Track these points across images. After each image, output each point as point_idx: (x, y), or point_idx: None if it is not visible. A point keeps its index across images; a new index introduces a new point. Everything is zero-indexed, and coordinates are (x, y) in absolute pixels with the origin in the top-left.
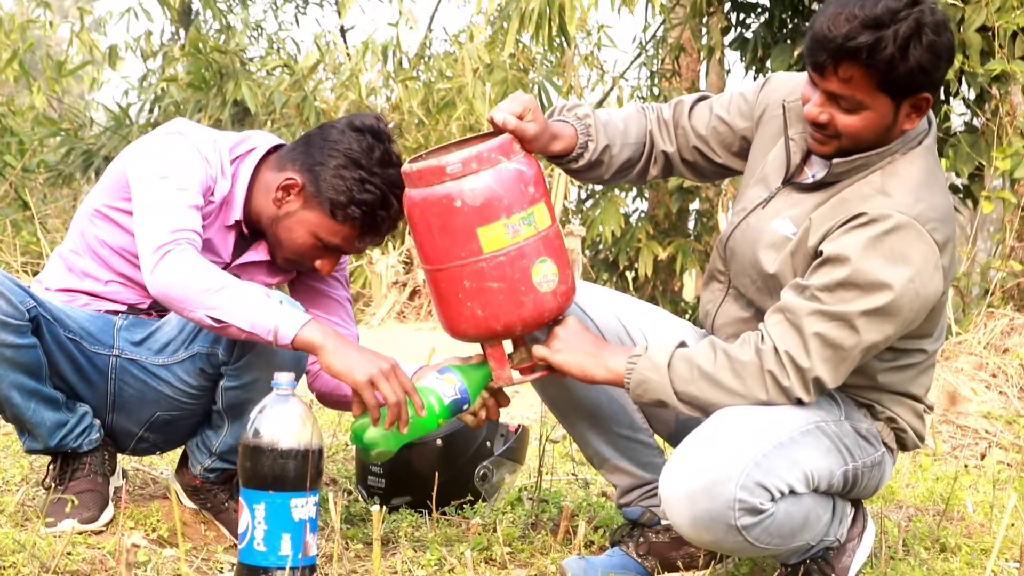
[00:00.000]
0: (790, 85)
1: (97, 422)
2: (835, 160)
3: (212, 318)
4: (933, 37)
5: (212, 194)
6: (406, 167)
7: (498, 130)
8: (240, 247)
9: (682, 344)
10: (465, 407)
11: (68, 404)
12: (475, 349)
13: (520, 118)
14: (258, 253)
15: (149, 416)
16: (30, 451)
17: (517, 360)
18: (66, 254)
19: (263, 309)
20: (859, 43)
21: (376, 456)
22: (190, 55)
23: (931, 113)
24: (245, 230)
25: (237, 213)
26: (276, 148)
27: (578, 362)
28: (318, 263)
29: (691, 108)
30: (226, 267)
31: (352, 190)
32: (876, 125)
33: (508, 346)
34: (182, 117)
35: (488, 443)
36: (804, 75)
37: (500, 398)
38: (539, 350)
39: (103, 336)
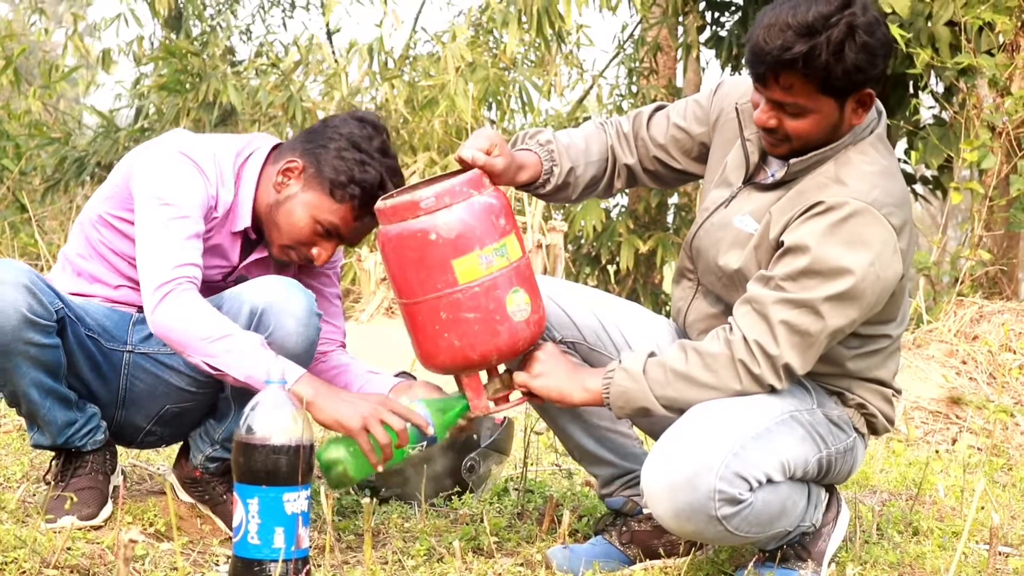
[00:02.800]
0: (742, 88)
1: (103, 423)
2: (792, 160)
3: (210, 365)
4: (866, 38)
5: (215, 209)
6: (379, 204)
7: (466, 167)
8: (246, 251)
9: (652, 354)
10: (433, 438)
11: (79, 404)
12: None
13: (487, 153)
14: (261, 251)
15: (158, 410)
16: (36, 446)
17: (492, 391)
18: (73, 259)
19: (258, 361)
20: (794, 54)
21: (336, 477)
22: (162, 59)
23: (879, 103)
24: (252, 235)
25: (245, 220)
26: (277, 148)
27: (556, 386)
28: (315, 251)
29: (649, 119)
30: (233, 270)
31: (352, 170)
32: (824, 125)
33: (483, 377)
34: (169, 123)
35: (475, 436)
36: None
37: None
38: (519, 376)
39: (118, 332)
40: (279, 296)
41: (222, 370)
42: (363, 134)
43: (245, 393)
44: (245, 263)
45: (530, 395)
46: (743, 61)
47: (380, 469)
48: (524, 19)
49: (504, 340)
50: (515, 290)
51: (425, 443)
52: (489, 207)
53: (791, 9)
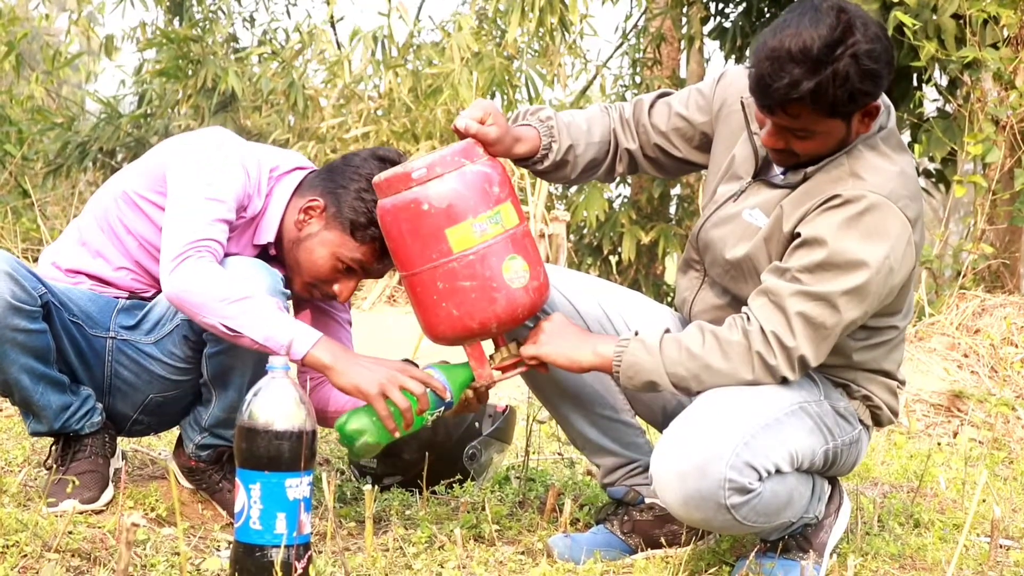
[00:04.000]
0: (745, 79)
1: (99, 405)
2: (808, 169)
3: (226, 327)
4: (871, 65)
5: (245, 210)
6: (375, 178)
7: (462, 137)
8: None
9: (667, 331)
10: (449, 403)
11: (72, 387)
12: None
13: (482, 123)
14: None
15: (143, 399)
16: (34, 434)
17: (498, 360)
18: (84, 228)
19: (278, 323)
20: (801, 92)
21: (361, 448)
22: (161, 45)
23: (887, 99)
24: (272, 252)
25: (268, 235)
26: (305, 178)
27: (564, 351)
28: (337, 287)
29: (651, 106)
30: None
31: (372, 211)
32: (831, 142)
33: (489, 348)
34: (169, 109)
35: (476, 424)
36: None
37: (480, 396)
38: (528, 349)
39: (102, 318)
40: (244, 276)
41: (239, 331)
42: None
43: (222, 378)
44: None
45: (540, 365)
46: (748, 89)
47: (398, 435)
48: (528, 10)
49: (502, 307)
50: (512, 257)
51: (442, 408)
52: (482, 176)
53: (794, 35)
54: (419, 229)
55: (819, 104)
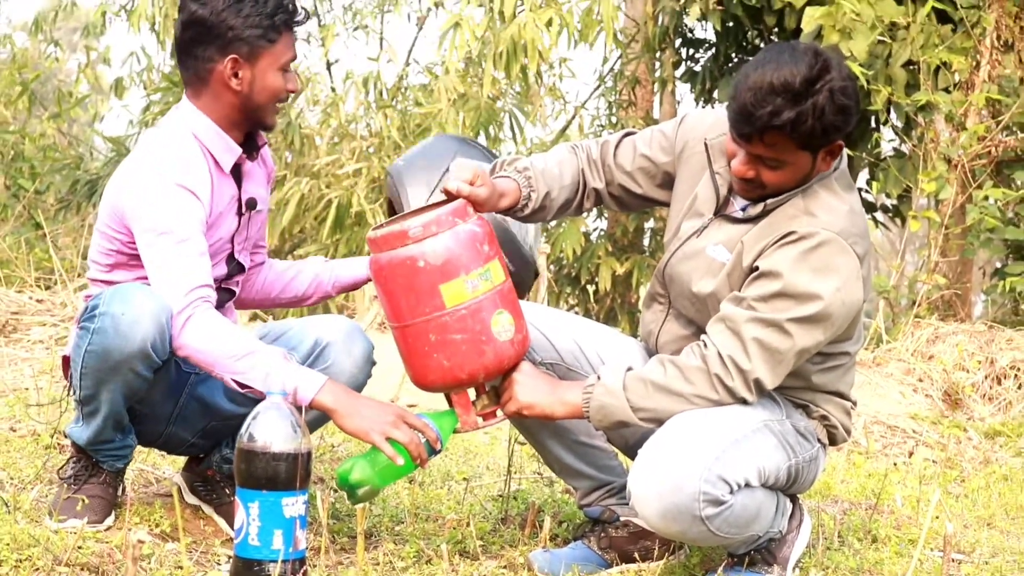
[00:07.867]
0: (707, 122)
1: (131, 458)
2: (769, 201)
3: (236, 381)
4: (844, 100)
5: (210, 221)
6: (371, 234)
7: (452, 198)
8: (236, 175)
9: (629, 368)
10: (438, 451)
11: (126, 428)
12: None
13: (471, 184)
14: (250, 169)
15: (204, 426)
16: (68, 435)
17: (480, 407)
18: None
19: (282, 374)
20: (783, 120)
21: (364, 495)
22: (165, 89)
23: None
24: (241, 157)
25: (232, 153)
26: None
27: (539, 407)
28: (290, 85)
29: (616, 146)
30: (240, 200)
31: (263, 11)
32: (798, 175)
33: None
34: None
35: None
36: (717, 112)
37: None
38: (508, 408)
39: None
40: (344, 336)
41: (249, 385)
42: None
43: None
44: (244, 185)
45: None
46: (728, 121)
47: (400, 462)
48: (501, 57)
49: (490, 359)
50: (499, 312)
51: (431, 456)
52: (473, 234)
53: (774, 70)
54: (414, 284)
55: (796, 134)
